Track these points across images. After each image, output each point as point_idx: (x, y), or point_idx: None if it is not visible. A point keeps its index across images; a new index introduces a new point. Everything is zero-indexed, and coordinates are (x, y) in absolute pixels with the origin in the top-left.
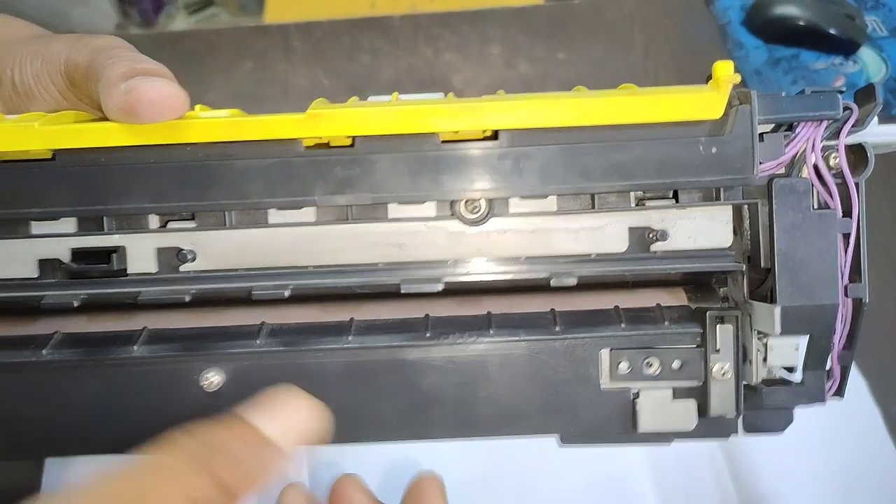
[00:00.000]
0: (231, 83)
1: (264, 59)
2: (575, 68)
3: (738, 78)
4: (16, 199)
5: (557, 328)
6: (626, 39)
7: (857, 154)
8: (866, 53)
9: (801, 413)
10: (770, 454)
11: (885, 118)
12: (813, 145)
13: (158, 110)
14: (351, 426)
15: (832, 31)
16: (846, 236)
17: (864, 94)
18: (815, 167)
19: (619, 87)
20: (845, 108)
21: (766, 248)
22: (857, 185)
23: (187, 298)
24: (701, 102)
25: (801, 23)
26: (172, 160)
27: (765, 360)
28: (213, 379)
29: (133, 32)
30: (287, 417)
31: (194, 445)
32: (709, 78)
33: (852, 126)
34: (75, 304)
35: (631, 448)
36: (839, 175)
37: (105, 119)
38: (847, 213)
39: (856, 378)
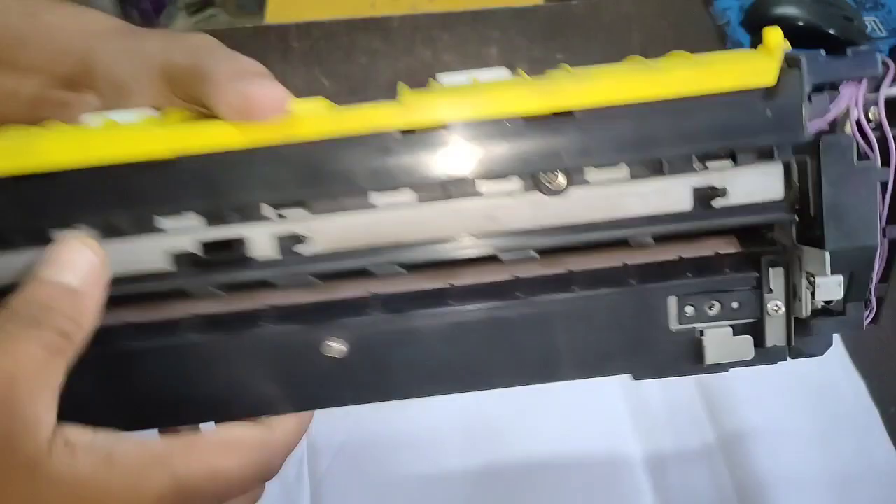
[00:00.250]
0: None
1: (263, 60)
2: None
3: (788, 45)
4: (143, 198)
5: (632, 281)
6: (624, 40)
7: (892, 108)
8: None
9: (801, 413)
10: (770, 454)
11: None
12: (856, 102)
13: (271, 111)
14: (458, 378)
15: (831, 32)
16: (884, 183)
17: None
18: (857, 122)
19: (670, 54)
20: (883, 64)
21: (814, 198)
22: (894, 136)
23: (310, 279)
24: (757, 71)
25: (800, 23)
26: (285, 155)
27: (813, 295)
28: (334, 347)
29: None
30: (76, 264)
31: (13, 314)
32: (755, 43)
33: (891, 81)
34: (214, 290)
35: (626, 442)
36: (878, 127)
37: (212, 116)
38: (885, 161)
39: (854, 379)
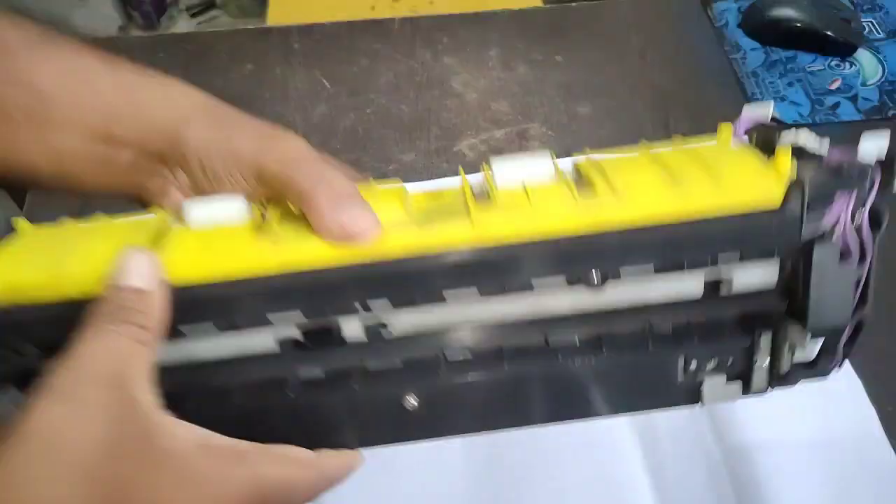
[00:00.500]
0: (231, 85)
1: (264, 61)
2: (572, 71)
3: (794, 175)
4: (255, 303)
5: (650, 346)
6: (623, 42)
7: (874, 211)
8: (863, 55)
9: (799, 413)
10: (768, 453)
11: (882, 120)
12: (847, 207)
13: (365, 238)
14: (507, 418)
15: (829, 34)
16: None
17: (886, 164)
18: (844, 229)
19: (673, 139)
20: (870, 179)
21: (802, 288)
22: (872, 240)
23: (397, 361)
24: (768, 194)
25: (798, 25)
26: (374, 268)
27: (792, 355)
28: (411, 401)
29: (135, 34)
30: (139, 270)
31: (99, 315)
32: (762, 142)
33: (878, 191)
34: (318, 371)
35: (630, 454)
36: (860, 229)
37: (303, 217)
38: (863, 258)
39: (851, 378)
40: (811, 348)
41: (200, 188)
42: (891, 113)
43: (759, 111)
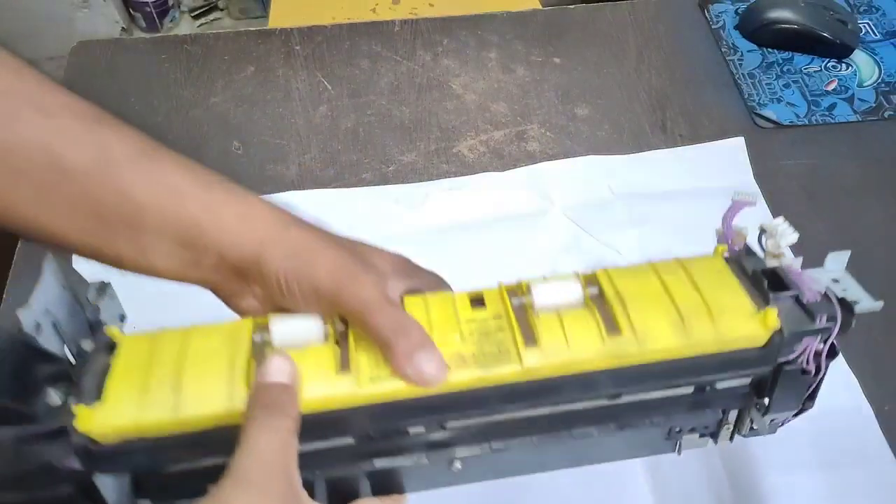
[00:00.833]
0: (233, 86)
1: (266, 63)
2: (570, 73)
3: (777, 324)
4: (340, 427)
5: (647, 423)
6: (620, 44)
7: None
8: (859, 57)
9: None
10: (764, 450)
11: (878, 120)
12: (813, 343)
13: (437, 382)
14: (531, 468)
15: (825, 35)
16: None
17: (847, 307)
18: (807, 358)
19: (674, 260)
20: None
21: (769, 389)
22: (827, 366)
23: (452, 450)
24: (755, 339)
25: (795, 27)
26: (442, 398)
27: (751, 423)
28: (457, 465)
29: (138, 36)
30: (283, 369)
31: (259, 408)
32: (754, 276)
33: (838, 329)
34: (388, 461)
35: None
36: (819, 354)
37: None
38: (817, 373)
39: (848, 377)
40: (766, 425)
41: (275, 301)
42: (887, 114)
43: (746, 201)
